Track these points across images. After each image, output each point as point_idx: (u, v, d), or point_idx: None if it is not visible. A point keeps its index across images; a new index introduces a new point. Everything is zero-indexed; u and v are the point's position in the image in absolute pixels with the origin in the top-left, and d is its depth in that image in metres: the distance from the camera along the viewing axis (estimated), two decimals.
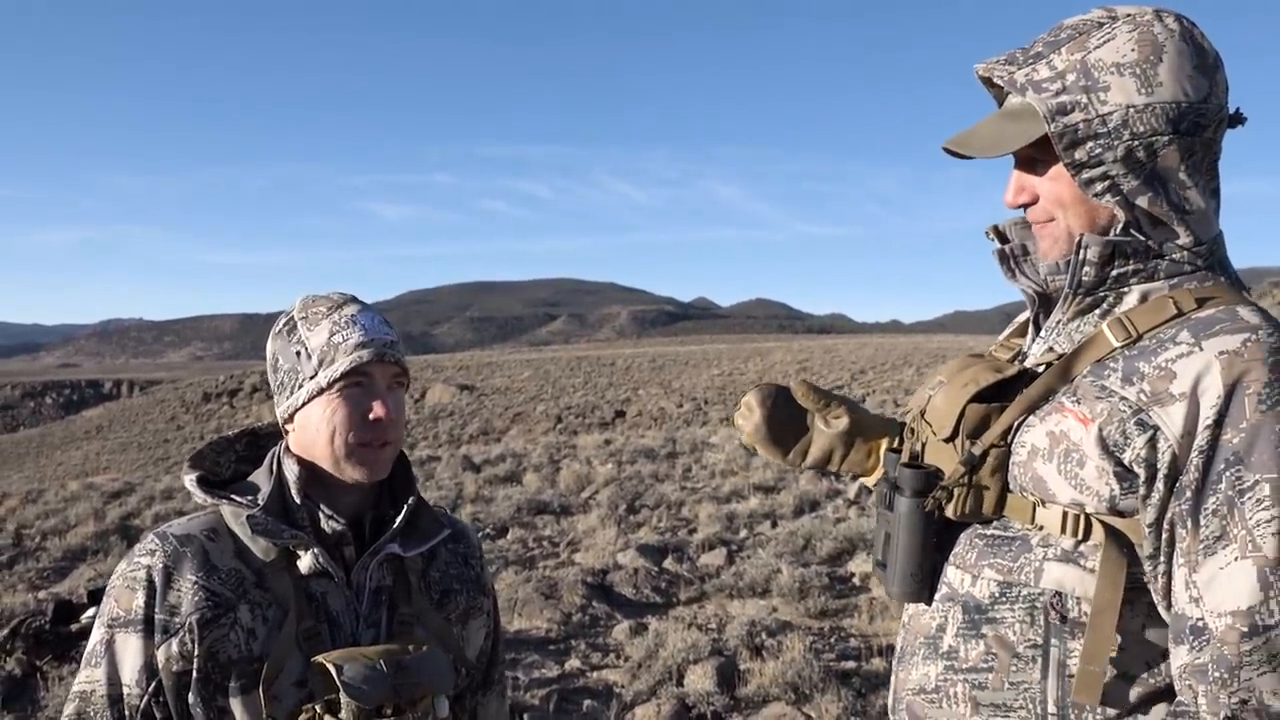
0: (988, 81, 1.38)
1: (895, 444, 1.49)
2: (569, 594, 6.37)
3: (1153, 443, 1.18)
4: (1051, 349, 1.34)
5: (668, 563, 7.29)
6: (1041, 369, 1.33)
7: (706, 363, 47.78)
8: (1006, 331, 1.55)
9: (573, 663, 5.38)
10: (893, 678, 1.44)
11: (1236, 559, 1.12)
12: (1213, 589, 1.14)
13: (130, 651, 1.37)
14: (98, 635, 1.41)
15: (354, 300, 1.51)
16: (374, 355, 1.44)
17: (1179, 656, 1.17)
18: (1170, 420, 1.17)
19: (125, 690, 1.37)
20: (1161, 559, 1.19)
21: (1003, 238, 1.44)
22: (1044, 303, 1.41)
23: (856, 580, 6.75)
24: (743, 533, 8.43)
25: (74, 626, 5.62)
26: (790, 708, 4.46)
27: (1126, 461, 1.20)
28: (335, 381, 1.43)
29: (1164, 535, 1.19)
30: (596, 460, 13.02)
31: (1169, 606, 1.20)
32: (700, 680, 4.79)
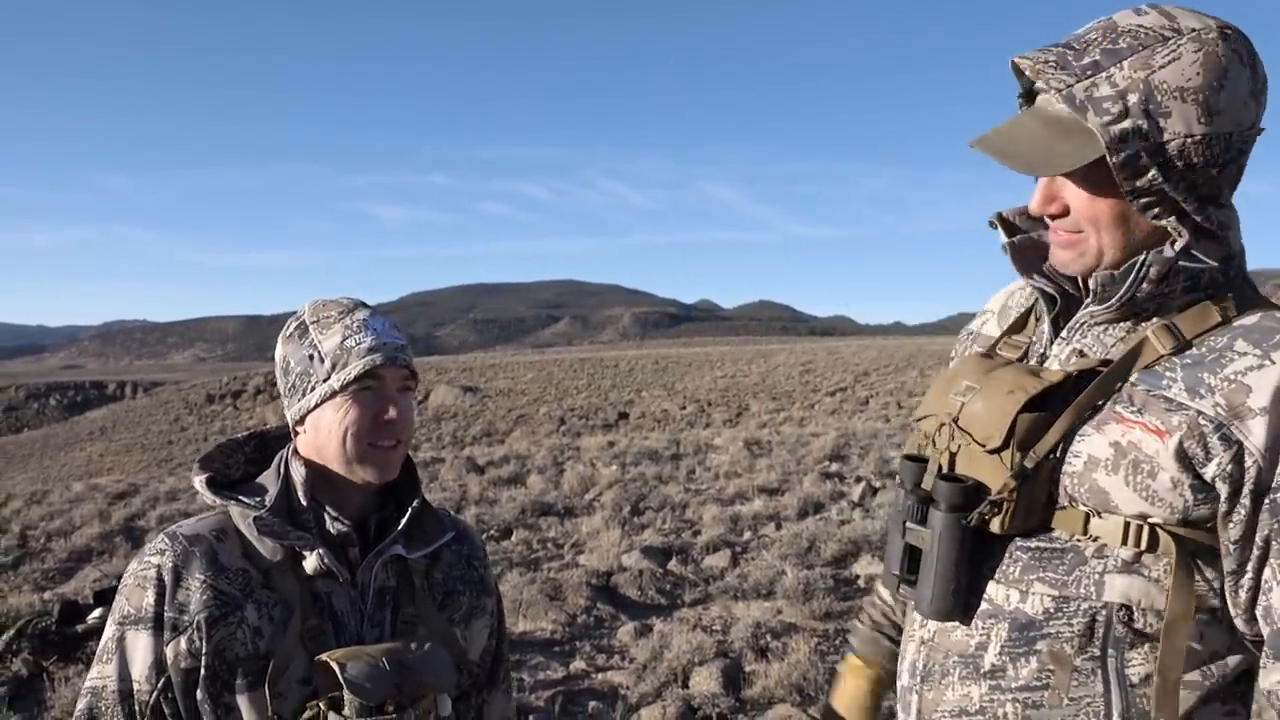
0: (1018, 70, 1.30)
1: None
2: (573, 596, 6.37)
3: (1238, 458, 1.17)
4: (1082, 353, 1.32)
5: (672, 564, 7.29)
6: (1074, 373, 1.29)
7: (710, 365, 47.76)
8: (997, 328, 1.51)
9: (578, 664, 5.38)
10: (913, 698, 1.39)
11: None
12: None
13: (140, 648, 1.40)
14: (109, 633, 1.44)
15: (363, 305, 1.54)
16: (386, 358, 1.47)
17: (1275, 673, 1.17)
18: (1253, 435, 1.16)
19: (135, 686, 1.40)
20: (1249, 573, 1.19)
21: (1010, 228, 1.39)
22: (1067, 301, 1.36)
23: (861, 582, 6.74)
24: (747, 534, 8.42)
25: (80, 627, 5.62)
26: (796, 709, 4.45)
27: (1208, 477, 1.19)
28: (348, 384, 1.45)
29: (1256, 551, 1.18)
30: (600, 462, 13.02)
31: (1250, 620, 1.21)
32: (705, 682, 4.79)
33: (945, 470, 1.34)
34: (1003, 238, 1.39)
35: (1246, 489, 1.17)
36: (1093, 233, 1.27)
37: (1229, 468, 1.17)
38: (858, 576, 6.87)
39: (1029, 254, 1.38)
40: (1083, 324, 1.33)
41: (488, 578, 1.67)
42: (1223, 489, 1.18)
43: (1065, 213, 1.29)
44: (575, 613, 6.17)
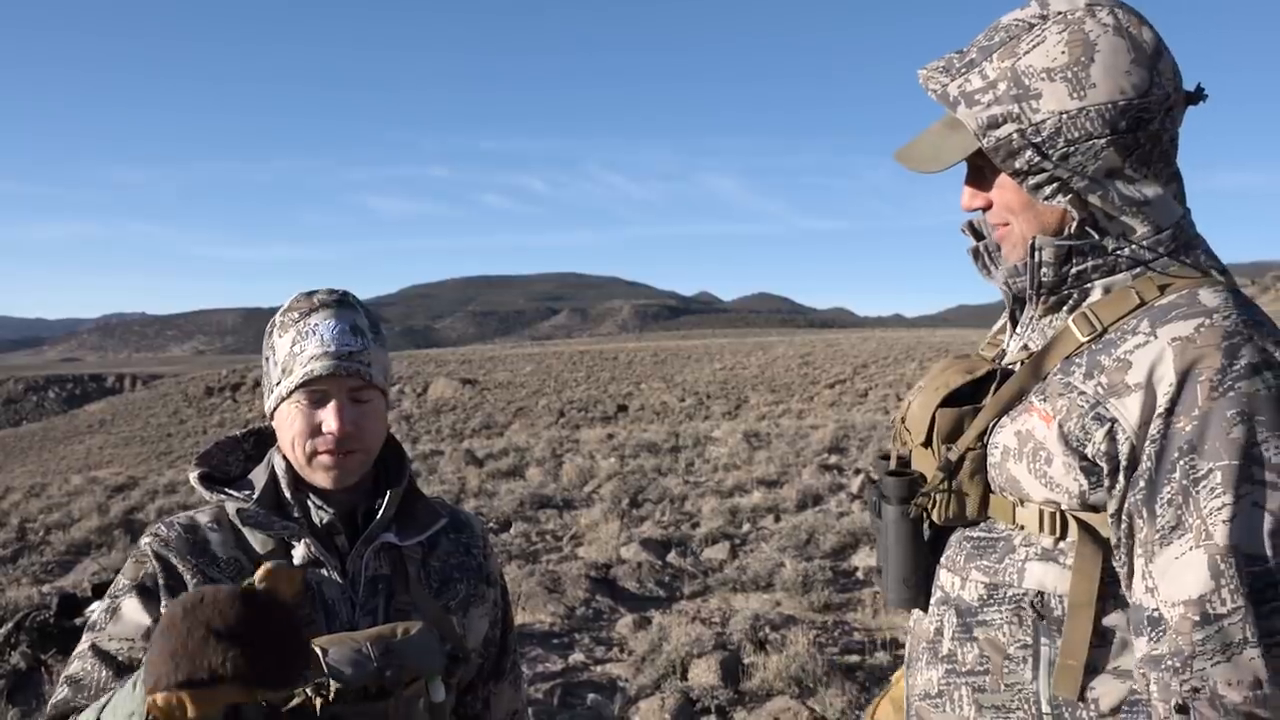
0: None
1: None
2: (572, 588, 6.38)
3: (1112, 435, 1.18)
4: (1026, 347, 1.34)
5: (671, 557, 7.30)
6: (1015, 367, 1.33)
7: (709, 357, 47.76)
8: (995, 328, 1.54)
9: (576, 656, 5.39)
10: (906, 684, 1.45)
11: (1191, 548, 1.12)
12: (1167, 579, 1.13)
13: (130, 611, 1.40)
14: (101, 605, 1.44)
15: (331, 304, 1.48)
16: (326, 369, 1.43)
17: (1139, 648, 1.17)
18: (1127, 411, 1.17)
19: (130, 645, 1.37)
20: (1123, 551, 1.19)
21: (977, 234, 1.43)
22: (1018, 299, 1.40)
23: (860, 574, 6.76)
24: (746, 527, 8.44)
25: (78, 620, 5.61)
26: (794, 701, 4.46)
27: (1089, 456, 1.19)
28: (293, 391, 1.45)
29: (1123, 527, 1.19)
30: (599, 454, 13.03)
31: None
32: (704, 674, 4.79)
33: (900, 466, 1.41)
34: (972, 243, 1.42)
35: (1121, 466, 1.17)
36: (1013, 221, 1.31)
37: (1103, 446, 1.18)
38: (856, 569, 6.88)
39: (994, 257, 1.41)
40: (1030, 319, 1.35)
41: (488, 566, 1.67)
42: (1104, 467, 1.19)
43: (990, 206, 1.34)
44: (574, 605, 6.18)
